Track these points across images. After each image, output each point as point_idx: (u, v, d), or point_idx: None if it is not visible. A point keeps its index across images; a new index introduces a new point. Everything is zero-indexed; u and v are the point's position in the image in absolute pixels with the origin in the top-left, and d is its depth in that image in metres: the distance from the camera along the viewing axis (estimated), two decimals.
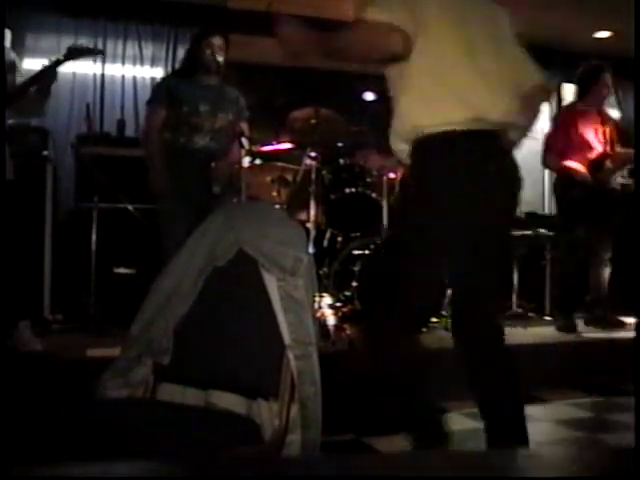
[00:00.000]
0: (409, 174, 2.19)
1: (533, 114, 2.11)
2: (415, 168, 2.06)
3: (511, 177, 2.04)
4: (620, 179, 4.45)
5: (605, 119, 4.51)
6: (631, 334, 4.09)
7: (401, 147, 2.07)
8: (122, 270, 4.26)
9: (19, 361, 3.04)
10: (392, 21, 1.89)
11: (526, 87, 2.05)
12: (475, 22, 2.01)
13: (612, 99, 6.50)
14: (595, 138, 4.37)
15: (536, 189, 6.30)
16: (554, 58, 5.95)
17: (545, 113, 6.43)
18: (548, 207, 6.22)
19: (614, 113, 6.59)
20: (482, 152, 1.94)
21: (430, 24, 1.92)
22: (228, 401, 1.57)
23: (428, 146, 1.96)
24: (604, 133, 4.42)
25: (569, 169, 4.32)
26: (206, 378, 1.60)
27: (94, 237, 4.09)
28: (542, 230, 5.00)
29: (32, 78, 3.09)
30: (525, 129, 2.09)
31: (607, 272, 4.43)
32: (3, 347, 3.04)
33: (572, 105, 4.68)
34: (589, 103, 4.45)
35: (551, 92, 2.18)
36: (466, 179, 1.92)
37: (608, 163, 4.32)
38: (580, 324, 4.44)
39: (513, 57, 2.07)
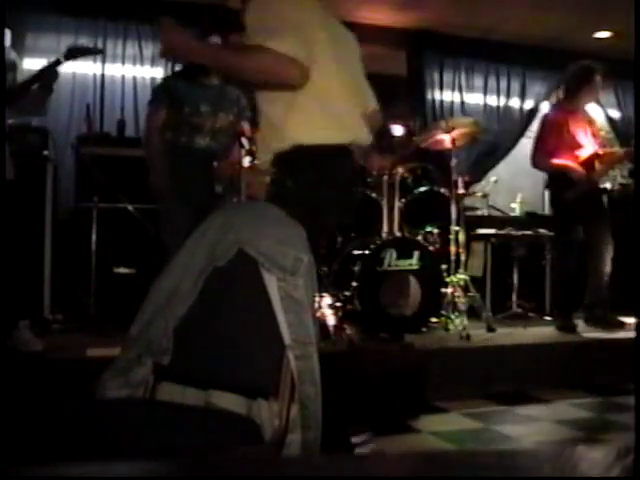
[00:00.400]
0: (274, 182, 2.23)
1: (372, 134, 2.44)
2: (284, 176, 2.16)
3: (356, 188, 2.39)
4: (620, 179, 4.44)
5: (591, 119, 4.51)
6: (631, 334, 4.09)
7: (267, 156, 2.19)
8: (122, 270, 4.26)
9: (19, 361, 3.04)
10: (291, 53, 1.97)
11: (368, 111, 2.37)
12: (346, 50, 2.29)
13: (612, 99, 6.52)
14: (585, 138, 4.37)
15: (536, 189, 6.31)
16: (554, 58, 5.95)
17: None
18: (548, 207, 6.23)
19: (614, 113, 6.60)
20: (348, 169, 2.24)
21: (318, 52, 2.08)
22: (228, 401, 1.57)
23: (301, 158, 2.11)
24: (592, 133, 4.41)
25: (564, 167, 4.30)
26: (206, 378, 1.60)
27: (94, 237, 4.09)
28: (542, 230, 5.01)
29: (33, 77, 3.10)
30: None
31: (607, 272, 4.42)
32: (3, 347, 3.04)
33: (560, 105, 4.66)
34: (578, 103, 4.43)
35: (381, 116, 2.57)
36: (332, 191, 2.15)
37: (597, 164, 4.31)
38: (580, 324, 4.45)
39: (365, 84, 2.40)
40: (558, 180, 4.37)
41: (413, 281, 4.03)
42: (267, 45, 1.96)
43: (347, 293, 3.93)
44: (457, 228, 4.34)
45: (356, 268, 3.93)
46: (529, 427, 3.09)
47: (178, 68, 4.61)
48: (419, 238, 4.25)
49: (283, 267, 1.51)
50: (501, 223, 5.22)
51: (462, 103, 6.25)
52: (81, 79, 5.09)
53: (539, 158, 4.43)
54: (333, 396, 1.57)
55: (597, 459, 0.59)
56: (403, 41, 6.02)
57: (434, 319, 4.14)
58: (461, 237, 4.37)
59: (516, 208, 5.85)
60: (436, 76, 6.20)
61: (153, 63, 5.29)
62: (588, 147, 4.35)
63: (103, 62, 5.10)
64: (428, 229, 4.37)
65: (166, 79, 4.24)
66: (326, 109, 2.13)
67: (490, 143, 6.15)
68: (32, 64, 4.25)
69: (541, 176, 6.15)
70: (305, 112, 2.11)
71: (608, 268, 4.40)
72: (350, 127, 2.20)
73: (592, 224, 4.33)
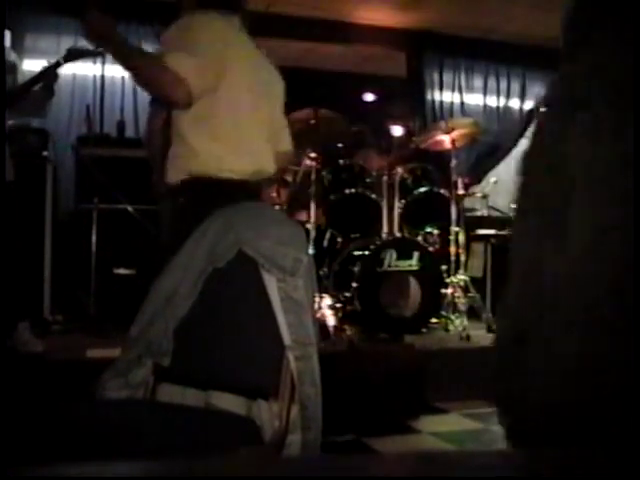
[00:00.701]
0: (179, 205, 2.21)
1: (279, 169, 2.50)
2: (187, 205, 2.15)
3: None
4: None
5: None
6: None
7: (179, 177, 2.15)
8: (122, 270, 4.26)
9: (19, 361, 3.04)
10: (182, 73, 1.99)
11: (282, 149, 2.41)
12: (268, 89, 2.31)
13: None
14: None
15: None
16: (554, 58, 5.94)
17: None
18: None
19: None
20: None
21: (232, 81, 2.12)
22: (228, 402, 1.57)
23: (208, 188, 2.11)
24: None
25: None
26: (206, 378, 1.60)
27: (94, 237, 4.09)
28: None
29: (32, 79, 3.10)
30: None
31: None
32: (3, 347, 3.04)
33: None
34: None
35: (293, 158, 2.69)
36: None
37: None
38: None
39: (283, 126, 2.43)
40: None
41: (413, 282, 4.03)
42: (164, 59, 2.00)
43: (347, 294, 3.93)
44: (457, 229, 4.34)
45: (356, 269, 3.93)
46: None
47: None
48: (419, 239, 4.25)
49: (283, 268, 1.51)
50: (501, 224, 5.21)
51: (462, 104, 6.25)
52: (81, 80, 5.09)
53: None
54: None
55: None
56: (403, 41, 6.02)
57: (434, 320, 4.14)
58: (461, 238, 4.38)
59: None
60: (436, 76, 6.20)
61: None
62: None
63: (103, 63, 5.10)
64: (428, 230, 4.38)
65: None
66: (241, 141, 2.17)
67: (490, 144, 6.15)
68: (32, 65, 4.25)
69: None
70: (225, 145, 2.14)
71: None
72: (260, 161, 2.23)
73: None
